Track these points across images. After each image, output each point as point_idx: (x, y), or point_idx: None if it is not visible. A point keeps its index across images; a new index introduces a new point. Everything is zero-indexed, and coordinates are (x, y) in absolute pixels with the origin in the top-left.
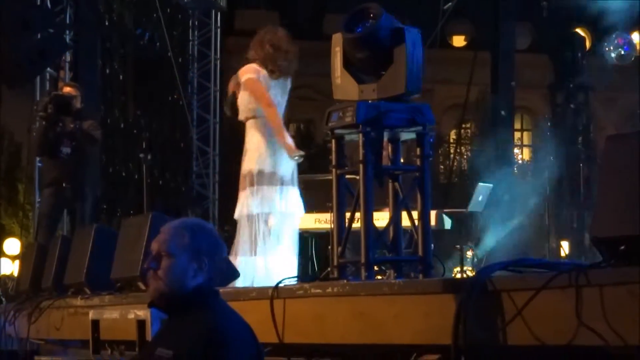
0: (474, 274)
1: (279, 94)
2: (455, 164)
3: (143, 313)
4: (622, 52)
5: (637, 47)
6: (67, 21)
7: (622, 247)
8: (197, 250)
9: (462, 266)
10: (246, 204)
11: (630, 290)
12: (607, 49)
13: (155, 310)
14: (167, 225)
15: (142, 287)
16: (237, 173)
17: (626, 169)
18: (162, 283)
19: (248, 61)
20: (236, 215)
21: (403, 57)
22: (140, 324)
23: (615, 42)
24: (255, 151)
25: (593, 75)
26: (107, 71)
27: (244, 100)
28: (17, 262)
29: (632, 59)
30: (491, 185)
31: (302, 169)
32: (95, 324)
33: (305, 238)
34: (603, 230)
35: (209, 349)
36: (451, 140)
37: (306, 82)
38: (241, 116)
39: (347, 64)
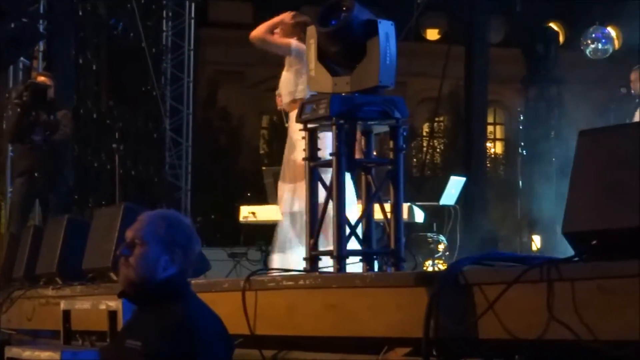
0: (445, 267)
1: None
2: (428, 157)
3: (115, 304)
4: (599, 46)
5: (614, 41)
6: (41, 10)
7: (594, 242)
8: (172, 241)
9: (433, 259)
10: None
11: (601, 284)
12: (583, 43)
13: (127, 301)
14: (144, 214)
15: (114, 277)
16: (210, 164)
17: (598, 163)
18: (132, 270)
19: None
20: (297, 208)
21: (376, 49)
22: (112, 314)
23: (592, 36)
24: None
25: (566, 70)
26: (81, 61)
27: (289, 81)
28: None
29: (609, 53)
30: (464, 178)
31: (275, 160)
32: (67, 314)
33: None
34: (575, 225)
35: (179, 340)
36: (424, 134)
37: (279, 72)
38: (287, 99)
39: (322, 56)
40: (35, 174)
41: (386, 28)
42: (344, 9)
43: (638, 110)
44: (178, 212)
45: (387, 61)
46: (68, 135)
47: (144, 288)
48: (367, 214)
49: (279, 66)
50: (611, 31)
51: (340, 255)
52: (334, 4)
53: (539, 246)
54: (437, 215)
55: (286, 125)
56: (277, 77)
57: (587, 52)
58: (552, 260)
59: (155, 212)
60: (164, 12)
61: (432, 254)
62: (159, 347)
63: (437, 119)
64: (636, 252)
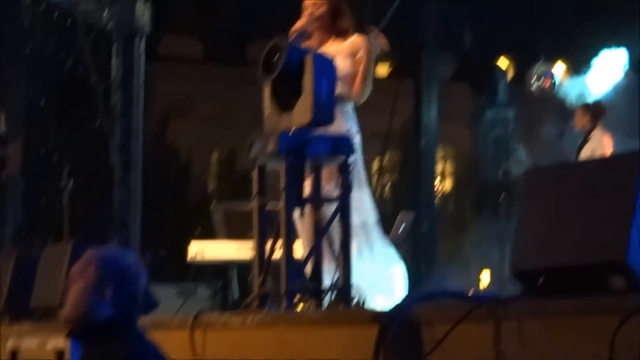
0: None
1: None
2: (377, 193)
3: (62, 343)
4: (544, 83)
5: (559, 78)
6: None
7: (541, 279)
8: (101, 279)
9: None
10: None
11: (548, 323)
12: (529, 79)
13: (75, 340)
14: (87, 252)
15: None
16: (160, 200)
17: (544, 201)
18: (66, 309)
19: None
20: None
21: (309, 85)
22: (59, 354)
23: (537, 73)
24: None
25: (516, 105)
26: (29, 96)
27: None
28: None
29: (554, 90)
30: (412, 214)
31: (225, 196)
32: (14, 353)
33: (226, 267)
34: (522, 263)
35: None
36: (374, 170)
37: (229, 108)
38: None
39: (275, 95)
40: None
41: (320, 63)
42: (277, 54)
43: (585, 146)
44: (125, 248)
45: (322, 96)
46: (12, 173)
47: (80, 327)
48: (315, 251)
49: (230, 101)
50: (559, 66)
51: (289, 293)
52: (270, 50)
53: (488, 282)
54: None
55: None
56: (227, 112)
57: (533, 89)
58: (498, 299)
59: (95, 250)
60: (114, 47)
61: None
62: None
63: (387, 154)
64: (582, 289)
